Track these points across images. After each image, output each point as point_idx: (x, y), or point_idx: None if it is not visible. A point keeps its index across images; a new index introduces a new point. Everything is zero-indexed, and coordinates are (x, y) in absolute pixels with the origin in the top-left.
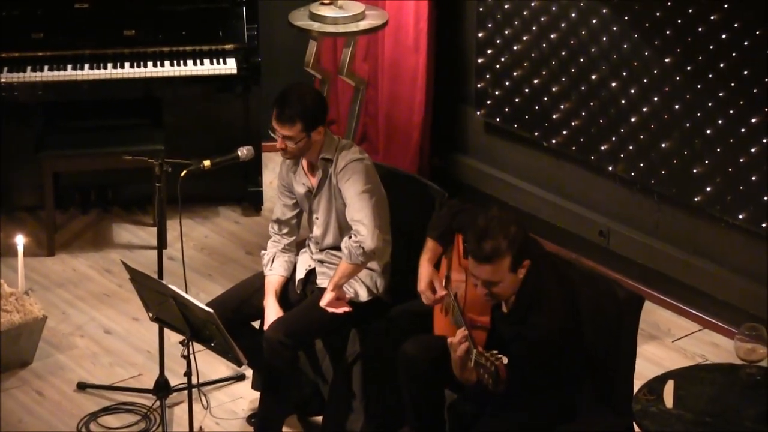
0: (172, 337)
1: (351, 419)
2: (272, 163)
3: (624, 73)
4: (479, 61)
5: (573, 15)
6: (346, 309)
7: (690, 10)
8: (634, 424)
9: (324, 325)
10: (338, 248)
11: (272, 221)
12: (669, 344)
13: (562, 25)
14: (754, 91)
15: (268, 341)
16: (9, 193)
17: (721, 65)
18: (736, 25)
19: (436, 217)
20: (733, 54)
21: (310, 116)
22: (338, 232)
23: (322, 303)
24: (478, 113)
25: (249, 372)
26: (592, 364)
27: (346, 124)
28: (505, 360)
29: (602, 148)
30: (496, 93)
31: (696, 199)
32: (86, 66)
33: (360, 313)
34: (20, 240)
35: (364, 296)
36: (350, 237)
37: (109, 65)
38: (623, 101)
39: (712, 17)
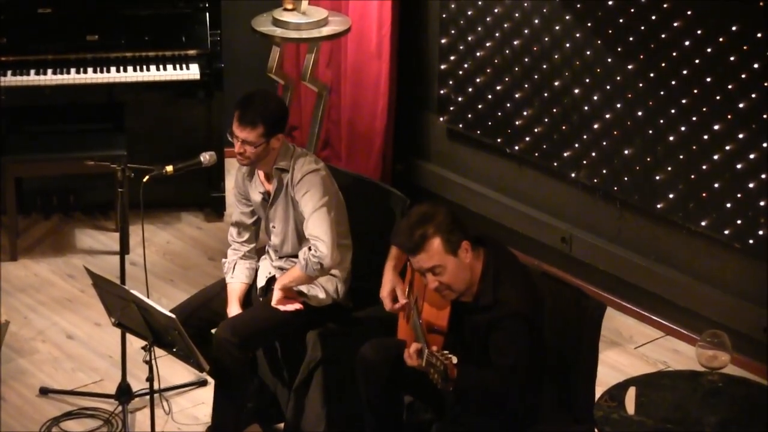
0: (135, 343)
1: (312, 425)
2: (235, 169)
3: (587, 80)
4: (442, 67)
5: (536, 21)
6: (297, 307)
7: (653, 17)
8: (596, 430)
9: (275, 326)
10: (297, 256)
11: (231, 225)
12: (631, 351)
13: (525, 31)
14: (717, 98)
15: (217, 339)
16: None
17: (684, 72)
18: (699, 32)
19: (399, 223)
20: (696, 61)
21: (272, 121)
22: (296, 241)
23: (272, 302)
24: (441, 119)
25: (211, 378)
26: (554, 370)
27: (309, 130)
28: (455, 360)
29: (565, 154)
30: (459, 99)
31: (658, 206)
32: (49, 71)
33: (317, 316)
34: None
35: (321, 296)
36: (309, 249)
37: (72, 70)
38: (586, 108)
39: (675, 24)
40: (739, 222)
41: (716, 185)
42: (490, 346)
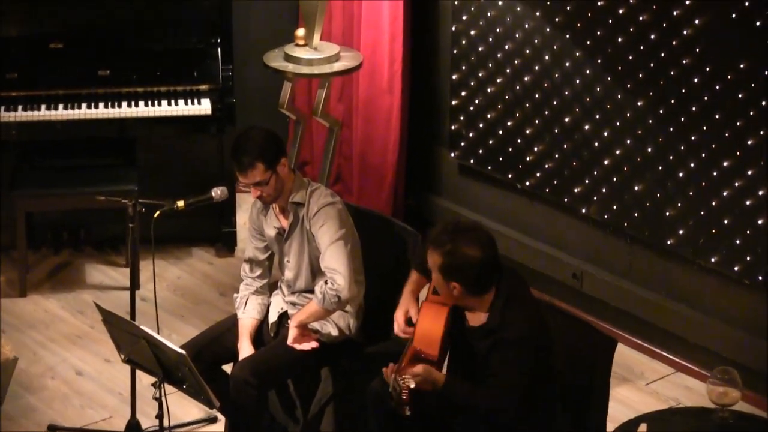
0: (144, 379)
1: None
2: (246, 203)
3: (597, 116)
4: (453, 102)
5: (547, 58)
6: (314, 345)
7: (662, 54)
8: None
9: (292, 364)
10: (310, 291)
11: (244, 261)
12: (642, 387)
13: (536, 67)
14: (726, 134)
15: (235, 380)
16: None
17: (693, 109)
18: (707, 69)
19: (420, 248)
20: (705, 98)
21: (267, 153)
22: (310, 276)
23: (289, 341)
24: (452, 155)
25: (221, 415)
26: (565, 405)
27: (321, 165)
28: (412, 384)
29: (575, 190)
30: (470, 134)
31: (668, 242)
32: (60, 106)
33: (331, 353)
34: None
35: (334, 333)
36: (326, 282)
37: (84, 105)
38: (596, 144)
39: (684, 61)
40: (748, 258)
41: (726, 221)
42: (492, 365)
